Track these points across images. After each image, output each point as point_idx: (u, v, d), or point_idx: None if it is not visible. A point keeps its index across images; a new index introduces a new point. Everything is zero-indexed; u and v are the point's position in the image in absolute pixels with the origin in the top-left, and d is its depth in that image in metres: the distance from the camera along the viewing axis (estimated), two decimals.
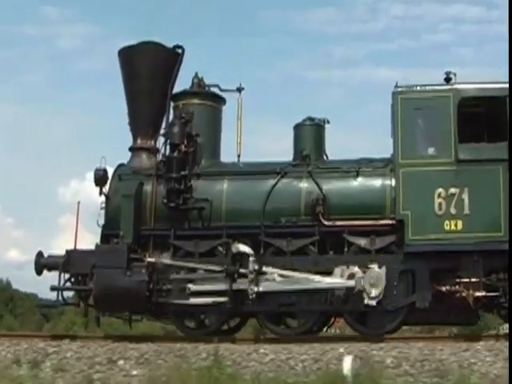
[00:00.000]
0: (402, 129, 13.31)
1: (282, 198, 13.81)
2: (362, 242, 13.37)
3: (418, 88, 13.48)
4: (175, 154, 14.21)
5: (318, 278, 13.20)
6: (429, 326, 25.13)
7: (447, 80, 13.49)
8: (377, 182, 13.63)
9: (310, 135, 14.56)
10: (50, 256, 14.38)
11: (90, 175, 14.56)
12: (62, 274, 14.03)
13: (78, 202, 14.62)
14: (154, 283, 13.61)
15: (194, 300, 13.45)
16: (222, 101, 15.24)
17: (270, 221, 13.72)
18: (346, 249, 13.47)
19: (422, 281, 12.90)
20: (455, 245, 12.77)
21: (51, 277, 14.28)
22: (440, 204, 12.93)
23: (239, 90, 14.87)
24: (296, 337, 13.16)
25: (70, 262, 14.02)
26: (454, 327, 21.31)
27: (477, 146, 13.15)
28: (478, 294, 12.63)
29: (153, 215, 14.28)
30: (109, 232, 14.31)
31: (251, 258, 13.25)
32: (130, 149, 15.27)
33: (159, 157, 14.88)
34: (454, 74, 13.46)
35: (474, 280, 12.68)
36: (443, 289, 12.79)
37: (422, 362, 10.85)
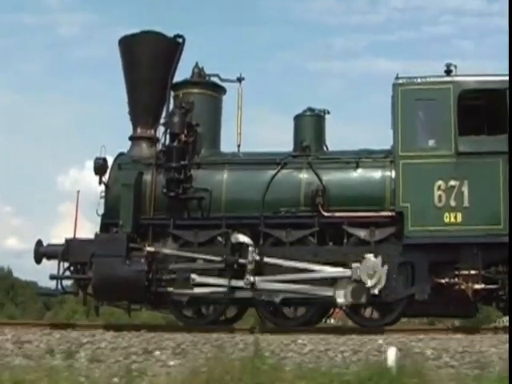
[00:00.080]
0: (402, 120, 13.29)
1: (281, 189, 13.79)
2: (362, 233, 13.35)
3: (419, 80, 13.44)
4: (175, 143, 14.18)
5: (316, 267, 13.19)
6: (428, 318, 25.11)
7: (448, 72, 13.46)
8: (377, 174, 13.61)
9: (311, 126, 14.53)
10: (49, 245, 14.41)
11: (90, 164, 14.60)
12: (62, 263, 14.05)
13: (78, 191, 14.67)
14: (154, 273, 13.61)
15: (191, 291, 13.46)
16: (223, 90, 15.21)
17: (269, 211, 13.70)
18: (345, 240, 13.46)
19: (422, 273, 12.89)
20: (455, 237, 12.76)
21: (51, 265, 14.33)
22: (440, 196, 12.92)
23: (239, 79, 14.84)
24: (295, 327, 13.17)
25: (70, 250, 14.03)
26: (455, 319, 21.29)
27: (477, 138, 13.13)
28: (477, 286, 12.63)
29: (152, 205, 14.27)
30: (108, 221, 14.31)
31: (250, 249, 13.24)
32: (130, 138, 15.25)
33: (159, 146, 14.85)
34: (455, 66, 13.46)
35: (473, 272, 12.67)
36: (442, 281, 12.80)
37: (462, 353, 10.77)
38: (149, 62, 14.92)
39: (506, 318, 20.65)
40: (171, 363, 10.97)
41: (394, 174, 13.33)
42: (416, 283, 12.93)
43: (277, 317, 13.85)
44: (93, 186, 15.01)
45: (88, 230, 17.96)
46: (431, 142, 13.31)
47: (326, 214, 13.43)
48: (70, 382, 9.78)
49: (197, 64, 15.07)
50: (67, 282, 14.80)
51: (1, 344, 12.02)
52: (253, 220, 13.71)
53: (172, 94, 14.95)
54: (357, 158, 13.74)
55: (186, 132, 14.21)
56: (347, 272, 12.90)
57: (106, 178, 14.60)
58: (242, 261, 13.22)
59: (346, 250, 13.32)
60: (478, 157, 12.87)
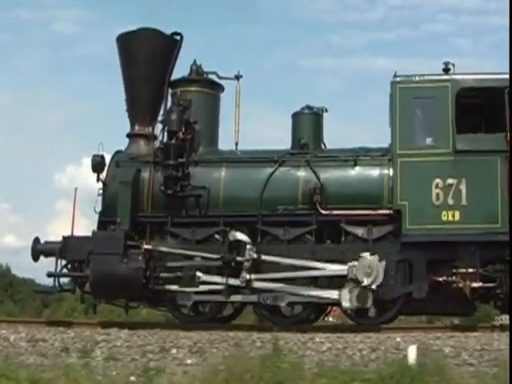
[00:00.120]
0: (400, 118, 13.28)
1: (279, 187, 13.78)
2: (359, 231, 13.36)
3: (417, 78, 13.43)
4: (173, 141, 14.16)
5: (319, 265, 13.19)
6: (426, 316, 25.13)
7: (446, 70, 13.46)
8: (374, 172, 13.59)
9: (309, 124, 14.51)
10: (46, 242, 14.39)
11: (87, 161, 14.56)
12: (59, 261, 14.04)
13: (76, 189, 14.65)
14: (151, 270, 13.61)
15: (189, 288, 13.47)
16: (220, 88, 15.19)
17: (267, 209, 13.69)
18: (343, 238, 13.46)
19: (419, 271, 12.89)
20: (452, 235, 12.75)
21: (49, 262, 14.30)
22: (437, 194, 12.91)
23: (237, 77, 14.82)
24: (291, 325, 13.16)
25: (67, 248, 14.02)
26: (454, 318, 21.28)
27: (475, 136, 13.11)
28: (474, 284, 12.64)
29: (150, 202, 14.27)
30: (106, 219, 14.30)
31: (248, 246, 13.23)
32: (128, 135, 15.23)
33: (157, 144, 14.84)
34: (453, 65, 13.46)
35: (470, 271, 12.68)
36: (440, 279, 12.81)
37: (481, 351, 10.73)
38: (146, 59, 14.89)
39: (505, 317, 20.66)
40: (188, 361, 10.91)
41: (391, 172, 13.31)
42: (414, 281, 12.93)
43: (274, 315, 13.83)
44: (89, 183, 15.00)
45: (84, 226, 17.98)
46: (429, 140, 13.29)
47: (323, 211, 13.42)
48: (89, 380, 9.73)
49: (195, 61, 15.05)
50: (64, 280, 14.77)
51: (14, 342, 11.97)
52: (250, 218, 13.71)
53: (170, 91, 14.95)
54: (355, 156, 13.72)
55: (183, 129, 14.19)
56: (344, 271, 12.91)
57: (103, 175, 14.59)
58: (239, 259, 13.22)
59: (343, 248, 13.32)
60: (476, 155, 12.86)
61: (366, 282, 12.69)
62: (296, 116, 14.59)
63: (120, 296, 14.24)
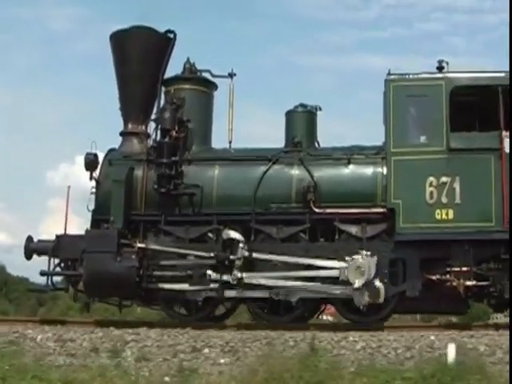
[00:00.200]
0: (393, 117, 13.25)
1: (273, 185, 13.76)
2: (353, 229, 13.34)
3: (411, 76, 13.41)
4: (166, 139, 14.15)
5: (306, 261, 13.17)
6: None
7: (440, 68, 13.44)
8: (368, 170, 13.57)
9: (302, 122, 14.50)
10: (39, 241, 14.38)
11: (80, 159, 14.53)
12: (52, 259, 14.02)
13: (68, 187, 14.62)
14: (144, 269, 13.58)
15: (182, 286, 13.45)
16: (214, 86, 15.17)
17: (260, 207, 13.68)
18: (336, 236, 13.44)
19: (413, 269, 12.87)
20: (446, 234, 12.74)
21: (42, 261, 14.26)
22: (431, 193, 12.89)
23: (231, 75, 14.78)
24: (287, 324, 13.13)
25: (60, 246, 14.00)
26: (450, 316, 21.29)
27: (468, 135, 13.09)
28: (468, 283, 12.63)
29: (143, 200, 14.24)
30: (99, 217, 14.28)
31: (241, 245, 13.21)
32: (121, 133, 15.20)
33: (150, 142, 14.80)
34: (447, 63, 13.43)
35: (464, 269, 12.66)
36: (434, 278, 12.79)
37: None
38: (140, 57, 14.86)
39: (499, 315, 20.67)
40: (221, 361, 10.81)
41: (385, 170, 13.29)
42: (407, 280, 12.91)
43: (269, 313, 13.80)
44: (83, 182, 14.96)
45: (77, 224, 17.95)
46: (423, 139, 13.26)
47: (317, 210, 13.40)
48: (123, 381, 9.64)
49: (188, 59, 15.02)
50: (58, 278, 14.74)
51: (41, 342, 11.89)
52: (244, 216, 13.69)
53: (163, 89, 14.93)
54: (348, 155, 13.70)
55: (177, 128, 14.17)
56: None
57: (96, 173, 14.56)
58: (232, 257, 13.20)
59: (337, 246, 13.30)
60: (470, 153, 12.83)
61: (357, 283, 12.68)
62: (290, 114, 14.57)
63: (113, 294, 14.21)
